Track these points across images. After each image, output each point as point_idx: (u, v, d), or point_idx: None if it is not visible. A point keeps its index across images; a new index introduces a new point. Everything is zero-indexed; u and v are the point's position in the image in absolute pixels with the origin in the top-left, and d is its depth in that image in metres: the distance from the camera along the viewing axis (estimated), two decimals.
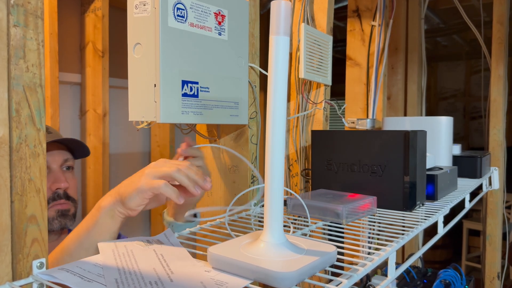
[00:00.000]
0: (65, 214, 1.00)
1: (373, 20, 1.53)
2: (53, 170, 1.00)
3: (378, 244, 0.63)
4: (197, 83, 0.70)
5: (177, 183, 0.64)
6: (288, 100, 1.19)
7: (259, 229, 0.72)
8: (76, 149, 1.06)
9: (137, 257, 0.55)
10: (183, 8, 0.67)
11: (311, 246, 0.55)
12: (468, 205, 1.05)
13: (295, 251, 0.52)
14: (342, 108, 1.29)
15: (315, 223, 0.75)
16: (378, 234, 0.73)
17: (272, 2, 0.49)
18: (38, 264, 0.51)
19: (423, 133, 0.89)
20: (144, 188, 0.62)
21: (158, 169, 0.64)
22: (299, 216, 0.78)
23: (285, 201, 0.83)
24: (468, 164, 1.31)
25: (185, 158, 0.74)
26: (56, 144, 1.01)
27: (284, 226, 0.73)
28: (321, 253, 0.53)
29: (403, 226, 0.72)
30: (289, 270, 0.46)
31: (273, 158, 0.51)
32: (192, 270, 0.51)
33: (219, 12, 0.74)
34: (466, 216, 3.88)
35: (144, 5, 0.65)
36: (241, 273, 0.49)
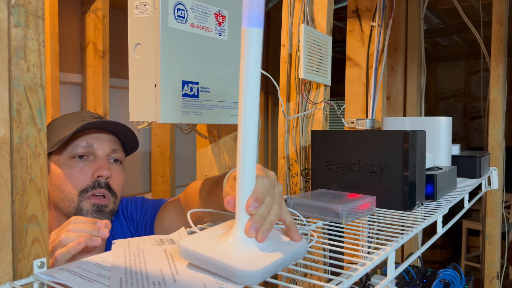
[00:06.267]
0: (101, 210, 0.88)
1: (373, 21, 1.53)
2: (98, 157, 0.89)
3: (377, 243, 0.63)
4: (197, 83, 0.70)
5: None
6: (288, 100, 1.19)
7: None
8: (126, 140, 0.95)
9: (146, 256, 0.55)
10: (184, 8, 0.67)
11: (283, 240, 0.53)
12: (467, 205, 1.05)
13: (262, 248, 0.50)
14: (342, 108, 1.29)
15: (315, 223, 0.76)
16: (378, 234, 0.73)
17: None
18: (39, 264, 0.51)
19: (423, 133, 0.89)
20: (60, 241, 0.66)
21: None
22: (298, 216, 0.78)
23: (284, 201, 0.84)
24: (467, 164, 1.31)
25: None
26: (106, 131, 0.91)
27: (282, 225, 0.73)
28: (290, 247, 0.52)
29: (403, 226, 0.72)
30: (254, 269, 0.45)
31: (245, 149, 0.48)
32: (197, 271, 0.51)
33: (219, 13, 0.74)
34: (465, 216, 3.89)
35: (145, 5, 0.65)
36: (210, 269, 0.48)
